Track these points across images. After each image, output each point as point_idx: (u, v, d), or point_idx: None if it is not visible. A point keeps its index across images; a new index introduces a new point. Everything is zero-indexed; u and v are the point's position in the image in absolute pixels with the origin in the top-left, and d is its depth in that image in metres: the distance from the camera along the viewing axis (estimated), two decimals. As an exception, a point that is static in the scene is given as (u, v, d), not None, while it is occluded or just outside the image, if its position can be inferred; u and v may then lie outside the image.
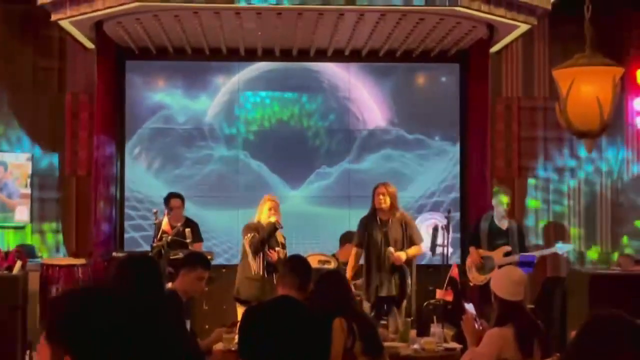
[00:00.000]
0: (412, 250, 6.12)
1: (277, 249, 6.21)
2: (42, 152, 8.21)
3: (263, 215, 6.26)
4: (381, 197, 6.09)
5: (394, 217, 6.12)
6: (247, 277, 6.17)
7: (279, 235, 6.32)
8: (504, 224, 6.90)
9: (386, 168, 8.48)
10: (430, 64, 8.60)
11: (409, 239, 6.12)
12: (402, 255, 6.01)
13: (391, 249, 6.02)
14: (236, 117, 8.54)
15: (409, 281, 6.15)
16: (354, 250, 6.31)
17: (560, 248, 7.04)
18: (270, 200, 6.32)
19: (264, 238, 6.09)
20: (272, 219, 6.15)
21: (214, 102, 8.51)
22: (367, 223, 6.18)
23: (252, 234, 6.14)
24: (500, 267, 6.57)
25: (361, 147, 8.57)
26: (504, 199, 6.89)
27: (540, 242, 8.38)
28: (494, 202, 6.99)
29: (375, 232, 6.11)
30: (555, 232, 8.41)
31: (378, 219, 6.13)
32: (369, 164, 8.51)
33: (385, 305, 6.07)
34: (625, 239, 8.46)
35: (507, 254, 6.76)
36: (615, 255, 8.21)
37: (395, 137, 8.56)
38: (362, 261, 6.35)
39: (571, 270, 7.58)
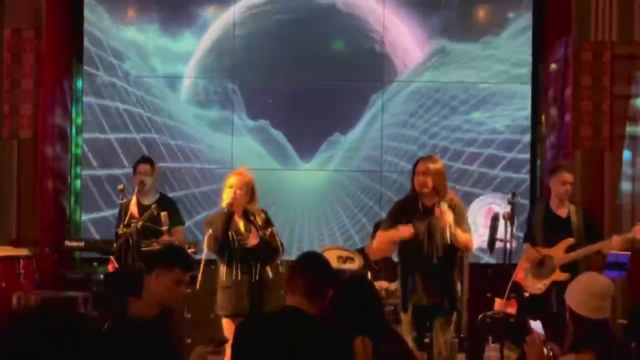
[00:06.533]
0: (462, 236, 6.09)
1: (255, 232, 6.14)
2: (-28, 107, 8.29)
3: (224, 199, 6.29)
4: (421, 177, 6.10)
5: (441, 201, 6.14)
6: (221, 285, 6.23)
7: (255, 211, 6.24)
8: (562, 211, 6.84)
9: (431, 134, 8.52)
10: (494, -6, 8.60)
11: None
12: (449, 216, 5.98)
13: (444, 205, 5.98)
14: (231, 64, 8.58)
15: (458, 287, 6.19)
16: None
17: None
18: (231, 176, 6.30)
19: (217, 234, 6.12)
20: (223, 204, 6.19)
21: (201, 42, 8.54)
22: (406, 208, 6.18)
23: (209, 233, 6.18)
24: (562, 267, 6.60)
25: (398, 105, 8.58)
26: (566, 176, 6.84)
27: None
28: (551, 182, 6.89)
29: (415, 220, 6.14)
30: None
31: (420, 204, 6.15)
32: (409, 126, 8.53)
33: (428, 319, 6.11)
34: None
35: (570, 249, 6.75)
36: None
37: (444, 92, 8.57)
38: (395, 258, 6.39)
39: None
